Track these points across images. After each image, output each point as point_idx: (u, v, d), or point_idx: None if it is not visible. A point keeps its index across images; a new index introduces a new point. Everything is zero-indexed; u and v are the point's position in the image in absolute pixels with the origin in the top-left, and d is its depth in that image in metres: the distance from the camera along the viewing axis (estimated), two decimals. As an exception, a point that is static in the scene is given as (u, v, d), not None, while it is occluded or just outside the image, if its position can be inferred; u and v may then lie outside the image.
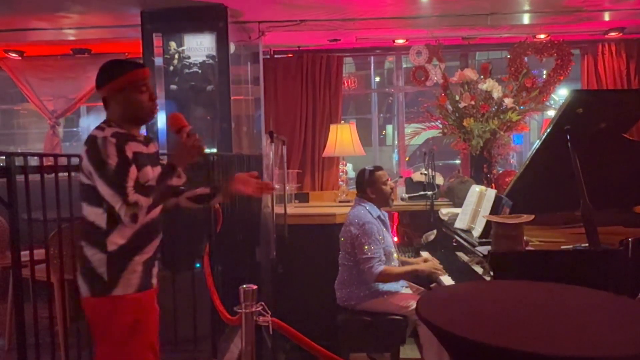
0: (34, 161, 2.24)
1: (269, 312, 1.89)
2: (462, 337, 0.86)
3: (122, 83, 1.93)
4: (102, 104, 2.03)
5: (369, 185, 3.30)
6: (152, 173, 1.96)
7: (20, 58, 5.06)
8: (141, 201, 1.80)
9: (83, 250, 1.93)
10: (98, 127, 1.92)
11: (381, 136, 10.12)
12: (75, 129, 8.34)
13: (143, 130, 2.47)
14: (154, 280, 2.05)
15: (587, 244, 2.54)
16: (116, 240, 1.88)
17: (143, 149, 1.98)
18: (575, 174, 2.58)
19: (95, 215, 1.89)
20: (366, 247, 3.09)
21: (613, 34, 4.72)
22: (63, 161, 2.37)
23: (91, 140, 1.86)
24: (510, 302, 1.09)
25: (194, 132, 1.96)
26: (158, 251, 2.06)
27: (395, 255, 3.30)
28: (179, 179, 1.93)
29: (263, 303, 1.90)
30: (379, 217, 3.27)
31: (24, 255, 2.10)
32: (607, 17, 4.38)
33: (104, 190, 1.81)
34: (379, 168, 3.37)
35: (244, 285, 1.89)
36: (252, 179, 2.21)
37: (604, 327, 0.95)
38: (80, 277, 1.94)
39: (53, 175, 2.26)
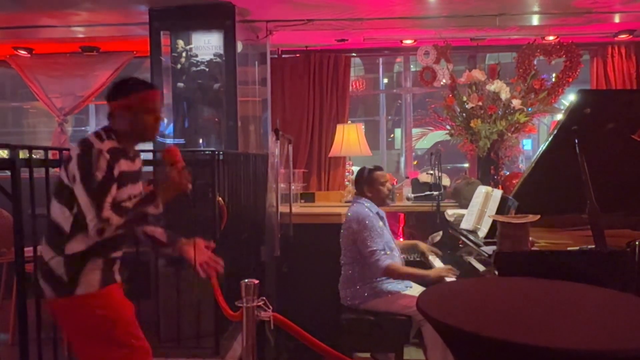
0: (39, 156, 2.25)
1: (270, 307, 1.88)
2: (460, 330, 0.85)
3: (131, 102, 1.97)
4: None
5: (366, 184, 3.33)
6: (129, 190, 1.99)
7: (29, 55, 5.09)
8: (113, 220, 1.83)
9: (42, 252, 1.96)
10: (97, 135, 1.96)
11: (389, 139, 10.10)
12: (84, 128, 8.38)
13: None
14: (117, 277, 2.06)
15: (593, 246, 2.51)
16: (76, 246, 1.90)
17: (130, 167, 2.01)
18: (583, 175, 2.55)
19: (61, 215, 1.92)
20: (369, 241, 3.10)
21: (623, 36, 4.68)
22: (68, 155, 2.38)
23: (86, 146, 1.89)
24: (512, 297, 1.08)
25: (187, 169, 2.02)
26: (119, 256, 2.07)
27: (397, 251, 3.30)
28: (156, 208, 1.95)
29: (264, 298, 1.89)
30: (377, 213, 3.29)
31: (28, 251, 2.11)
32: (617, 19, 4.34)
33: (82, 198, 1.84)
34: (378, 168, 3.40)
35: (246, 280, 1.88)
36: (208, 251, 2.21)
37: (607, 321, 0.93)
38: (41, 279, 1.96)
39: (58, 169, 2.27)
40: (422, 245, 3.69)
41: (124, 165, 1.95)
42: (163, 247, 2.25)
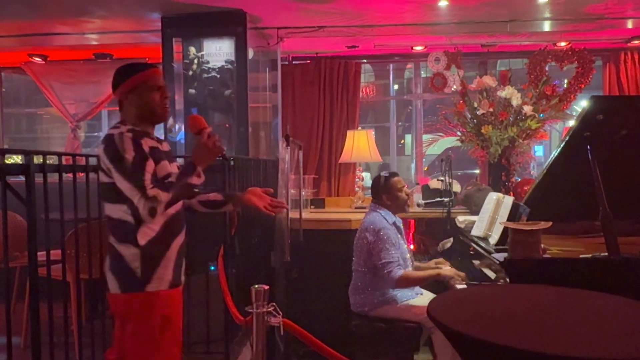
0: (53, 161, 2.28)
1: (280, 312, 1.88)
2: (471, 337, 0.84)
3: (133, 83, 1.98)
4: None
5: (384, 192, 3.28)
6: (170, 167, 1.99)
7: (44, 62, 5.16)
8: (160, 196, 1.81)
9: (114, 247, 1.94)
10: (114, 127, 1.97)
11: (399, 145, 10.07)
12: (97, 134, 8.47)
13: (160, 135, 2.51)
14: (182, 277, 2.07)
15: (606, 254, 2.49)
16: (146, 232, 1.90)
17: (158, 146, 2.01)
18: (595, 182, 2.53)
19: (120, 212, 1.91)
20: (383, 252, 3.07)
21: (636, 42, 4.65)
22: (81, 161, 2.41)
23: (108, 138, 1.90)
24: (523, 304, 1.07)
25: (214, 133, 2.00)
26: (185, 246, 2.08)
27: (410, 261, 3.27)
28: (199, 178, 1.94)
29: (274, 304, 1.90)
30: (394, 223, 3.25)
31: (41, 255, 2.12)
32: (629, 24, 4.31)
33: (123, 184, 1.84)
34: (394, 174, 3.35)
35: (256, 285, 1.89)
36: (267, 196, 2.25)
37: (619, 329, 0.92)
38: (110, 273, 1.95)
39: (71, 175, 2.30)
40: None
41: (150, 142, 1.95)
42: (223, 206, 2.25)
